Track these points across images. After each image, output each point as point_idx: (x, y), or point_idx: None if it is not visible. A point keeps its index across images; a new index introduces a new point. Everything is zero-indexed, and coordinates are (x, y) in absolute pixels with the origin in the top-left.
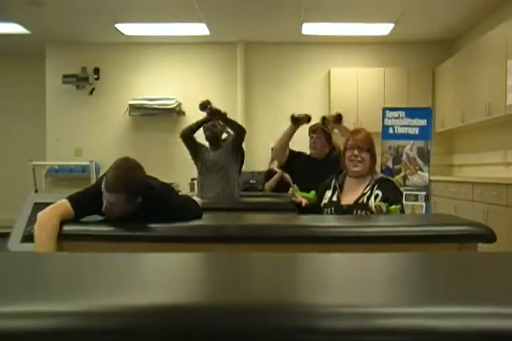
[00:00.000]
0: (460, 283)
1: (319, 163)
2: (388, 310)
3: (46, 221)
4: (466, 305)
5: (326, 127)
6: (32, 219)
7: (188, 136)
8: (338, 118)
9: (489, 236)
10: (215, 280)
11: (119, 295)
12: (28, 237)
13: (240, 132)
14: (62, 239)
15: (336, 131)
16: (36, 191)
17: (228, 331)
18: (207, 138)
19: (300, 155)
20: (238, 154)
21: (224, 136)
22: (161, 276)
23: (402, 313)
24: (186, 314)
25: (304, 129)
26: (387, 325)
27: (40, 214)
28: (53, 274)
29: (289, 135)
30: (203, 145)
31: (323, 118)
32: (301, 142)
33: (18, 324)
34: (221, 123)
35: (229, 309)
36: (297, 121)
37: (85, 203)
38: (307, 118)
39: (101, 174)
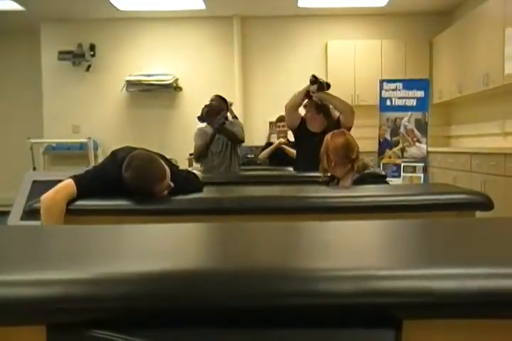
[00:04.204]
0: (458, 246)
1: (317, 135)
2: (388, 272)
3: (52, 206)
4: (463, 267)
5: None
6: (31, 197)
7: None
8: (321, 86)
9: (486, 204)
10: (218, 248)
11: (124, 263)
12: (28, 213)
13: (233, 140)
14: (66, 213)
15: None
16: (34, 169)
17: (231, 295)
18: (207, 112)
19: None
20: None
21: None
22: (164, 245)
23: (401, 275)
24: (189, 279)
25: None
26: (387, 286)
27: (45, 200)
28: (59, 245)
29: (302, 94)
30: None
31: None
32: None
33: (26, 291)
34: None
35: (232, 274)
36: (315, 82)
37: (92, 185)
38: (326, 84)
39: (100, 151)
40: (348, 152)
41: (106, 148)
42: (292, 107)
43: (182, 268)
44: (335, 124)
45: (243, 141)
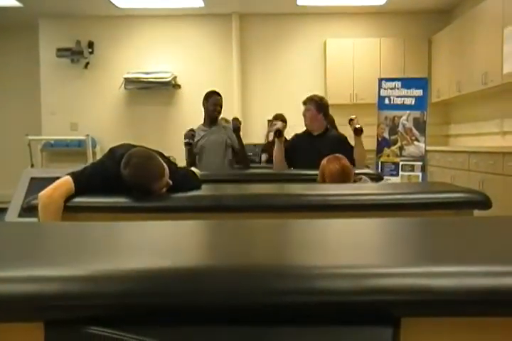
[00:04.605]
0: (456, 245)
1: (315, 139)
2: (386, 270)
3: (50, 203)
4: (461, 265)
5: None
6: (28, 194)
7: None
8: (356, 131)
9: (485, 203)
10: (216, 245)
11: (122, 260)
12: (26, 210)
13: (243, 164)
14: (63, 210)
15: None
16: (32, 166)
17: (229, 293)
18: (211, 115)
19: (295, 140)
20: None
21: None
22: (162, 242)
23: (399, 273)
24: (187, 277)
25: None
26: (385, 284)
27: (42, 197)
28: (57, 242)
29: (281, 150)
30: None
31: (350, 119)
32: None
33: (24, 288)
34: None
35: (230, 272)
36: (281, 132)
37: (90, 182)
38: (283, 122)
39: (98, 148)
40: (345, 177)
41: (104, 145)
42: (282, 165)
43: (180, 265)
44: (332, 125)
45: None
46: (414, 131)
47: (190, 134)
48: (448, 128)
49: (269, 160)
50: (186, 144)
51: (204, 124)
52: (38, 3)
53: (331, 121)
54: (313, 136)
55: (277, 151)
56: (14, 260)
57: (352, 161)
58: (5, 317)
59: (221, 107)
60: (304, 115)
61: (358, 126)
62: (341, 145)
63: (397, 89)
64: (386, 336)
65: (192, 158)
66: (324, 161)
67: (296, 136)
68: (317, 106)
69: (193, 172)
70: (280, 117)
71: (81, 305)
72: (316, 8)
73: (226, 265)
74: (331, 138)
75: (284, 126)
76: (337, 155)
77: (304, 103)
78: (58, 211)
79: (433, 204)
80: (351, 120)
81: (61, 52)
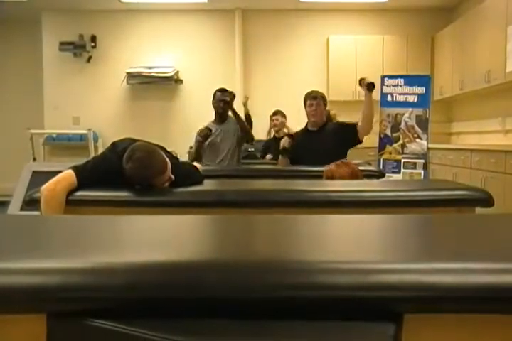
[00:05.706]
0: (458, 241)
1: (316, 135)
2: (388, 266)
3: (52, 197)
4: (464, 262)
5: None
6: (30, 188)
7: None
8: (369, 85)
9: (487, 200)
10: (217, 240)
11: (124, 253)
12: (28, 203)
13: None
14: (65, 204)
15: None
16: (34, 159)
17: (231, 287)
18: (217, 112)
19: (296, 135)
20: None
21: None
22: (163, 236)
23: (402, 269)
24: (189, 270)
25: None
26: (388, 280)
27: (44, 190)
28: (60, 234)
29: (286, 161)
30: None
31: (360, 80)
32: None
33: (27, 280)
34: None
35: (232, 266)
36: (286, 149)
37: (92, 175)
38: (283, 117)
39: (100, 142)
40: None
41: (106, 139)
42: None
43: (182, 259)
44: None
45: (253, 139)
46: (417, 128)
47: (206, 133)
48: (450, 126)
49: (274, 159)
50: (198, 142)
51: (214, 122)
52: None
53: (328, 115)
54: (314, 131)
55: (282, 162)
56: (16, 252)
57: (357, 140)
58: (7, 309)
59: (227, 102)
60: (315, 110)
61: (371, 80)
62: (343, 128)
63: (400, 86)
64: (388, 332)
65: (198, 154)
66: (333, 166)
67: (296, 134)
68: (323, 101)
69: (195, 167)
70: (279, 113)
71: (83, 298)
72: (318, 4)
73: (228, 259)
74: (331, 128)
75: (289, 142)
76: (344, 160)
77: (314, 98)
78: (60, 204)
79: (435, 202)
80: (362, 79)
81: (64, 46)
